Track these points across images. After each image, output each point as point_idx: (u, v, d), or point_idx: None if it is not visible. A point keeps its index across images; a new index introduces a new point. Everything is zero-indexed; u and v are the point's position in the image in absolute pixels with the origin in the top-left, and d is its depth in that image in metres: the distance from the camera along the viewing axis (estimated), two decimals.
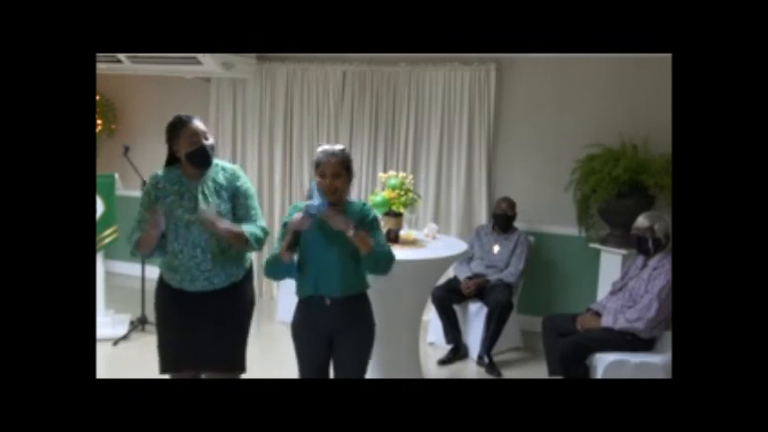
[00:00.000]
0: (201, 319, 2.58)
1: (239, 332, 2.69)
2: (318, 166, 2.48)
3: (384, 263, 2.48)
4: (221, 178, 2.59)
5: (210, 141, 2.55)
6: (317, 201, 2.41)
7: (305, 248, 2.53)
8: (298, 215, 2.43)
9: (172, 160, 2.59)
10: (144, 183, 4.45)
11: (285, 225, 2.50)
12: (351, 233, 2.38)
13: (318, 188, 2.45)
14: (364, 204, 2.58)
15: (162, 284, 2.65)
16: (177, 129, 2.51)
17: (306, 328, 2.60)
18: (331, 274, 2.48)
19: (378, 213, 2.60)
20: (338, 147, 2.53)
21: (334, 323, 2.53)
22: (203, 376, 2.69)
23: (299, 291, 2.59)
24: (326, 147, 2.52)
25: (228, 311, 2.63)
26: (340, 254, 2.47)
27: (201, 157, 2.52)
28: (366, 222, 2.49)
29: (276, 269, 2.53)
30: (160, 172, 2.60)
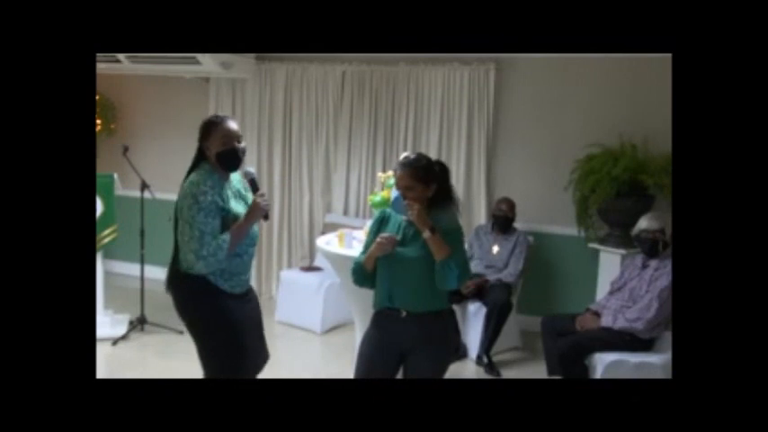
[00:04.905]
0: (259, 313, 2.69)
1: None
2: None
3: (456, 275, 2.31)
4: (239, 180, 2.65)
5: (243, 145, 2.51)
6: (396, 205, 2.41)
7: (380, 257, 2.43)
8: (383, 237, 2.38)
9: (198, 161, 2.52)
10: (144, 184, 4.52)
11: (373, 231, 2.50)
12: (426, 234, 2.29)
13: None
14: (447, 217, 2.41)
15: (223, 296, 2.50)
16: (210, 128, 2.47)
17: (377, 342, 2.47)
18: (406, 286, 2.37)
19: (462, 231, 2.44)
20: (413, 156, 2.41)
21: (409, 339, 2.40)
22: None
23: (374, 302, 2.50)
24: (404, 155, 2.43)
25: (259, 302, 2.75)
26: (416, 265, 2.36)
27: (231, 159, 2.47)
28: (442, 232, 2.34)
29: (359, 276, 2.52)
30: (201, 175, 2.45)
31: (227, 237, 2.39)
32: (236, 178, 2.62)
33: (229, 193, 2.51)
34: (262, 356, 2.68)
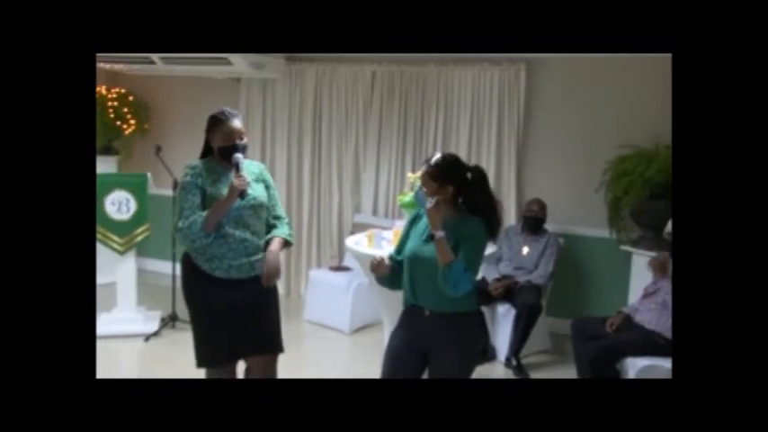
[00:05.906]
0: (253, 304, 2.69)
1: (278, 314, 2.83)
2: None
3: (453, 284, 2.28)
4: (254, 169, 2.78)
5: (244, 141, 2.71)
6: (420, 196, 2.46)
7: (406, 255, 2.46)
8: (374, 259, 2.49)
9: (206, 152, 2.76)
10: (176, 183, 4.58)
11: (405, 231, 2.57)
12: (436, 234, 2.31)
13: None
14: (470, 224, 2.38)
15: (202, 278, 2.66)
16: (216, 124, 2.69)
17: (402, 339, 2.48)
18: (428, 285, 2.37)
19: (482, 239, 2.42)
20: (436, 156, 2.44)
21: (432, 338, 2.39)
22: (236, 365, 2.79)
23: (403, 299, 2.53)
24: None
25: (270, 295, 2.79)
26: (437, 265, 2.32)
27: (231, 154, 2.66)
28: (457, 237, 2.34)
29: (380, 279, 2.59)
30: (193, 163, 2.70)
31: (204, 213, 2.58)
32: (252, 171, 2.74)
33: (224, 179, 2.67)
34: (238, 345, 2.70)
